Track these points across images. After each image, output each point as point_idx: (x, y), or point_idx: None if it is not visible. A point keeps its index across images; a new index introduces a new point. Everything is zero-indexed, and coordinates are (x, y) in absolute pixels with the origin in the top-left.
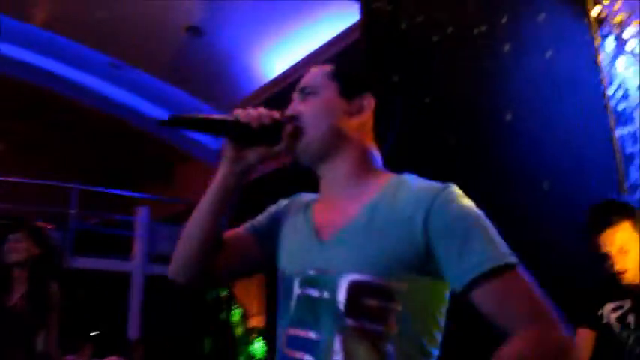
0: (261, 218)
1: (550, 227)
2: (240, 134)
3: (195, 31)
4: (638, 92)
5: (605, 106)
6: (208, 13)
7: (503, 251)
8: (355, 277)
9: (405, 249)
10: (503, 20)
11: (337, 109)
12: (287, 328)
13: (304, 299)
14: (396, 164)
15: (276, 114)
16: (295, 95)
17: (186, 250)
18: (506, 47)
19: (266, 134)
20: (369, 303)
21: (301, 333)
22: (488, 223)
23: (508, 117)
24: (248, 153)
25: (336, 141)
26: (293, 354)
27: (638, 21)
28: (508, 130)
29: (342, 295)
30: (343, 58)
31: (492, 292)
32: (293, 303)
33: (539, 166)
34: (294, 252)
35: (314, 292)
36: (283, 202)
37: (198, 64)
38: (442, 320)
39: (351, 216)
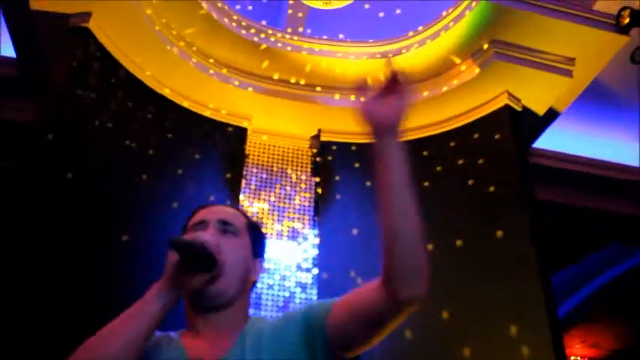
0: None
1: None
2: (202, 262)
3: None
4: None
5: None
6: None
7: None
8: None
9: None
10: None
11: (249, 262)
12: None
13: None
14: None
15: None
16: (212, 223)
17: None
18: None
19: (214, 265)
20: None
21: None
22: None
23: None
24: (194, 277)
25: (240, 292)
26: None
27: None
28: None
29: None
30: None
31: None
32: None
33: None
34: None
35: None
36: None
37: None
38: None
39: (226, 347)
